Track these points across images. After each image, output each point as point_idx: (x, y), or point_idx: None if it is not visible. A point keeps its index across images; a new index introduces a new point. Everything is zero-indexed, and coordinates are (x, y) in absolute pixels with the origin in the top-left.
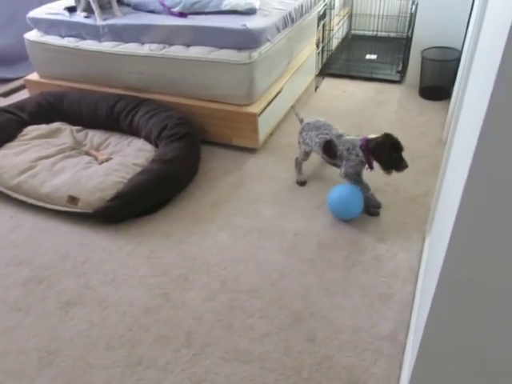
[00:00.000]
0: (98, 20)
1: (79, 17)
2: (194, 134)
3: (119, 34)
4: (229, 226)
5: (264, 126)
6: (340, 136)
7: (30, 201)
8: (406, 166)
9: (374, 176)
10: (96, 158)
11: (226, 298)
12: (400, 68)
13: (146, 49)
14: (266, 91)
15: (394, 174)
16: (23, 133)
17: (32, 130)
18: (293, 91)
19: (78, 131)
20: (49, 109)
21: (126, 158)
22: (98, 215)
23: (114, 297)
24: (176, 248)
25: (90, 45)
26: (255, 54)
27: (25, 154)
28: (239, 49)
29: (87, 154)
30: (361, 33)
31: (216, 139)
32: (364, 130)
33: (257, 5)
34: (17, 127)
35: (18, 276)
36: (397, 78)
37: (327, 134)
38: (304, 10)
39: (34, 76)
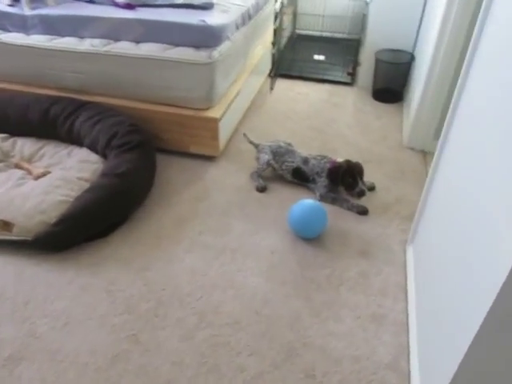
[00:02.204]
0: (24, 9)
1: (2, 4)
2: (148, 142)
3: (52, 26)
4: (197, 247)
5: (224, 131)
6: (306, 161)
7: None
8: (361, 193)
9: None
10: (30, 172)
11: (207, 335)
12: (351, 70)
13: (87, 44)
14: (225, 94)
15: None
16: None
17: None
18: (248, 93)
19: (3, 140)
20: None
21: (67, 171)
22: (39, 243)
23: (69, 345)
24: (139, 277)
25: (15, 38)
26: (216, 53)
27: None
28: (197, 47)
29: (17, 167)
30: (305, 32)
31: (171, 147)
32: (324, 135)
33: None
34: None
35: None
36: (348, 80)
37: (292, 161)
38: (259, 7)
39: None
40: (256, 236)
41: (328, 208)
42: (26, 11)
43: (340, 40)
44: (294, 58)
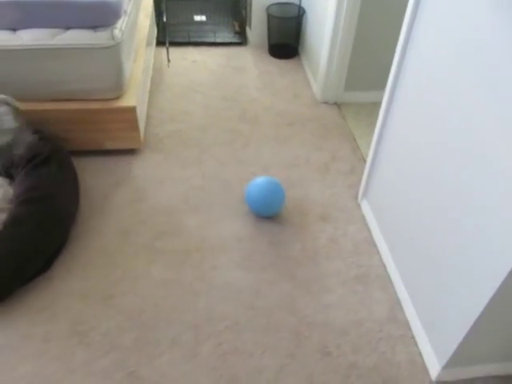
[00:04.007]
0: None
1: None
2: (62, 150)
3: None
4: (158, 255)
5: (140, 118)
6: None
7: None
8: None
9: (285, 153)
10: None
11: (211, 346)
12: (238, 28)
13: None
14: (131, 77)
15: (297, 156)
16: None
17: None
18: (147, 70)
19: None
20: None
21: None
22: None
23: None
24: (107, 306)
25: None
26: (117, 33)
27: None
28: (93, 27)
29: None
30: None
31: (82, 147)
32: (238, 103)
33: None
34: None
35: None
36: (239, 39)
37: None
38: None
39: None
40: (215, 227)
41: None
42: None
43: None
44: (174, 22)
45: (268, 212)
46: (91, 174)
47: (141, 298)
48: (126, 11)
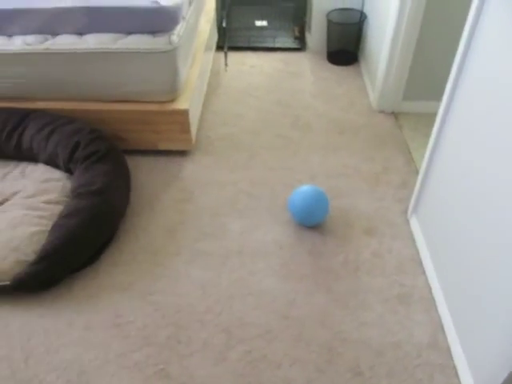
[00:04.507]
0: None
1: None
2: (117, 149)
3: None
4: (198, 256)
5: (193, 122)
6: None
7: None
8: None
9: (335, 161)
10: None
11: (240, 352)
12: (297, 34)
13: (19, 43)
14: (186, 80)
15: (346, 165)
16: None
17: None
18: (205, 74)
19: None
20: None
21: (29, 196)
22: (21, 286)
23: None
24: (146, 302)
25: None
26: (175, 38)
27: None
28: (152, 33)
29: None
30: None
31: (136, 146)
32: (292, 109)
33: None
34: None
35: None
36: (298, 45)
37: None
38: None
39: None
40: (257, 232)
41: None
42: None
43: (278, 1)
44: (235, 27)
45: (310, 222)
46: (143, 173)
47: (178, 297)
48: (184, 17)
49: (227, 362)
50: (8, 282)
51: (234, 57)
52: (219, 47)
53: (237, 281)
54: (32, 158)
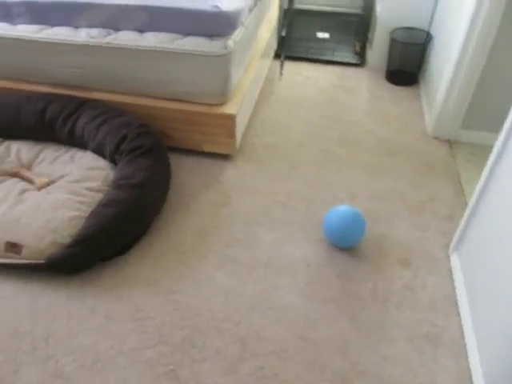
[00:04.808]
0: None
1: None
2: (161, 144)
3: (41, 14)
4: (226, 262)
5: (239, 127)
6: None
7: None
8: None
9: (379, 184)
10: (31, 182)
11: (252, 367)
12: (359, 49)
13: (84, 35)
14: (238, 86)
15: (390, 189)
16: None
17: None
18: (258, 81)
19: None
20: None
21: (75, 181)
22: (54, 266)
23: None
24: (168, 300)
25: None
26: (231, 43)
27: None
28: (209, 36)
29: (17, 176)
30: (305, 7)
31: (182, 145)
32: (341, 124)
33: None
34: None
35: None
36: (357, 60)
37: None
38: None
39: None
40: (287, 246)
41: (361, 210)
42: None
43: (342, 15)
44: (296, 37)
45: (343, 243)
46: (184, 172)
47: (199, 301)
48: (243, 23)
49: (238, 375)
50: (43, 261)
51: (291, 66)
52: (277, 55)
53: (260, 292)
54: (82, 145)
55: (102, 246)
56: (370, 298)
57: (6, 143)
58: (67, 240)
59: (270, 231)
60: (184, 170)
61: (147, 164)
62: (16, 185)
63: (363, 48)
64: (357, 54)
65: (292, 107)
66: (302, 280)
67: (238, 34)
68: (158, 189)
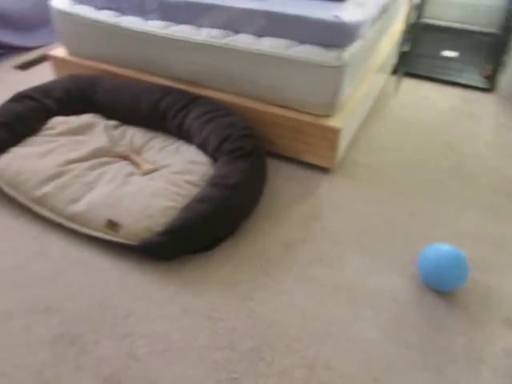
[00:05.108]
0: None
1: None
2: (261, 149)
3: (170, 12)
4: (307, 279)
5: (342, 142)
6: None
7: (58, 219)
8: None
9: (491, 227)
10: (139, 167)
11: None
12: (490, 72)
13: (205, 35)
14: (347, 99)
15: (505, 235)
16: (48, 125)
17: (59, 123)
18: (370, 96)
19: (114, 127)
20: (79, 97)
21: (175, 172)
22: (145, 250)
23: (167, 377)
24: (243, 306)
25: (132, 22)
26: (346, 55)
27: (51, 156)
28: (326, 46)
29: (126, 159)
30: (433, 22)
31: (282, 152)
32: (457, 154)
33: None
34: (40, 118)
35: (45, 329)
36: (486, 85)
37: None
38: None
39: (59, 52)
40: (375, 275)
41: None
42: None
43: (474, 33)
44: (419, 53)
45: (439, 286)
46: (281, 179)
47: (274, 313)
48: (363, 35)
49: None
50: (136, 243)
51: (409, 84)
52: (395, 71)
53: (338, 320)
54: (188, 138)
55: (189, 240)
56: (462, 354)
57: (123, 127)
58: (160, 228)
59: (358, 256)
60: (281, 177)
61: (244, 166)
62: (125, 167)
63: (494, 72)
64: (486, 77)
65: (403, 127)
66: (386, 316)
67: (355, 46)
68: (252, 192)
